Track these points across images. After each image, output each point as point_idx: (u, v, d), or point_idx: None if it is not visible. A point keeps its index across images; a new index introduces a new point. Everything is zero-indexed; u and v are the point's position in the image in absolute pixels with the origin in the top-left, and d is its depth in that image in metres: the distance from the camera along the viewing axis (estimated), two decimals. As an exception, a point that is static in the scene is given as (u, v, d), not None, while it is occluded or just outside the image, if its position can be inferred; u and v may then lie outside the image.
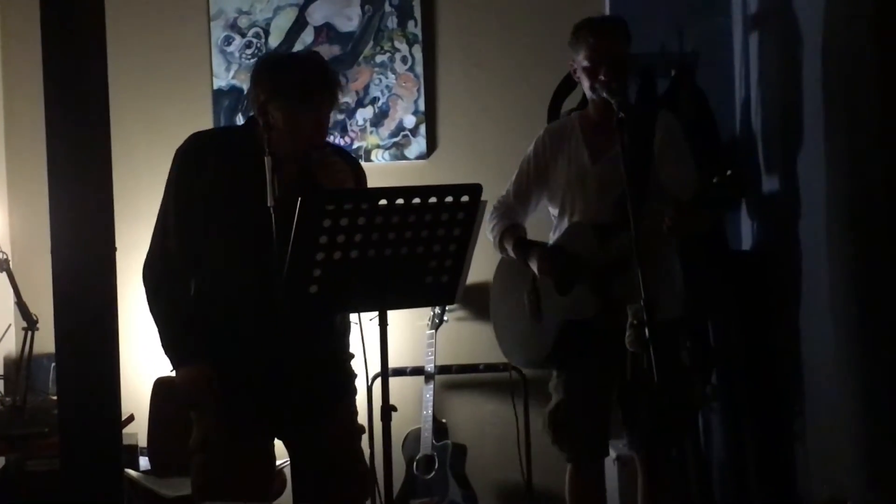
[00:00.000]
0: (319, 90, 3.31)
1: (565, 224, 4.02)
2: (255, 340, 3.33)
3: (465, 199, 3.02)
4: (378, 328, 3.10)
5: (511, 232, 4.10)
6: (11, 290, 4.68)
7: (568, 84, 4.74)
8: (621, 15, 4.20)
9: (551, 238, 4.10)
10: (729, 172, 3.40)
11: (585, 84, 3.91)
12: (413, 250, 3.04)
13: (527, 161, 4.15)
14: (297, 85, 3.28)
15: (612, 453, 4.44)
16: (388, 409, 3.09)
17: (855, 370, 3.72)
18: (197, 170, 3.37)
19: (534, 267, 3.96)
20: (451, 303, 3.49)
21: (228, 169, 3.35)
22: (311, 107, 3.30)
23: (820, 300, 3.96)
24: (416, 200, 2.97)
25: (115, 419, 3.13)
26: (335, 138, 5.38)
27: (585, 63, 3.89)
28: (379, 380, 3.14)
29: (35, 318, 4.58)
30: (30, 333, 4.57)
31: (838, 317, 3.84)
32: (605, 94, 3.75)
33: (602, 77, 3.83)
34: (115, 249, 3.05)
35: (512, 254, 4.08)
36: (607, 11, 5.19)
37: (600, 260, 3.78)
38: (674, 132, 3.97)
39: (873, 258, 3.55)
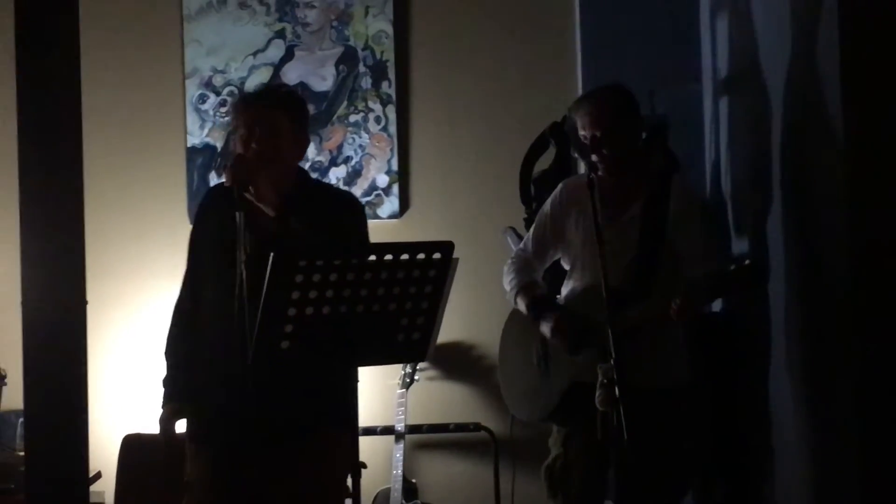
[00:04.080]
0: (239, 105, 3.56)
1: (578, 281, 4.03)
2: (234, 394, 3.33)
3: (437, 256, 3.04)
4: (349, 385, 3.10)
5: (527, 289, 4.09)
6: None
7: (540, 144, 4.78)
8: (596, 80, 4.23)
9: (563, 291, 4.11)
10: (747, 262, 3.46)
11: (588, 156, 3.94)
12: (385, 307, 3.05)
13: (544, 216, 4.16)
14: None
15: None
16: (357, 466, 3.08)
17: (809, 435, 3.76)
18: (202, 223, 3.54)
19: (545, 331, 3.95)
20: (422, 360, 3.51)
21: (221, 223, 3.38)
22: (238, 123, 3.51)
23: (781, 366, 4.01)
24: (389, 257, 2.99)
25: (82, 476, 3.11)
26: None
27: (583, 136, 3.93)
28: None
29: (3, 372, 4.55)
30: (-2, 388, 4.54)
31: (795, 381, 3.89)
32: (602, 174, 3.78)
33: (603, 151, 3.87)
34: (85, 303, 3.04)
35: (525, 311, 4.07)
36: (579, 76, 5.25)
37: (612, 328, 3.76)
38: (690, 201, 3.99)
39: (824, 328, 3.60)
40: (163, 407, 3.50)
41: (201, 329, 3.49)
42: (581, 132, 3.97)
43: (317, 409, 3.40)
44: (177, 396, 3.48)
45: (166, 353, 3.56)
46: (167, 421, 3.47)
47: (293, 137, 3.50)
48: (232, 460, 3.37)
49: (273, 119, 3.45)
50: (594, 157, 3.92)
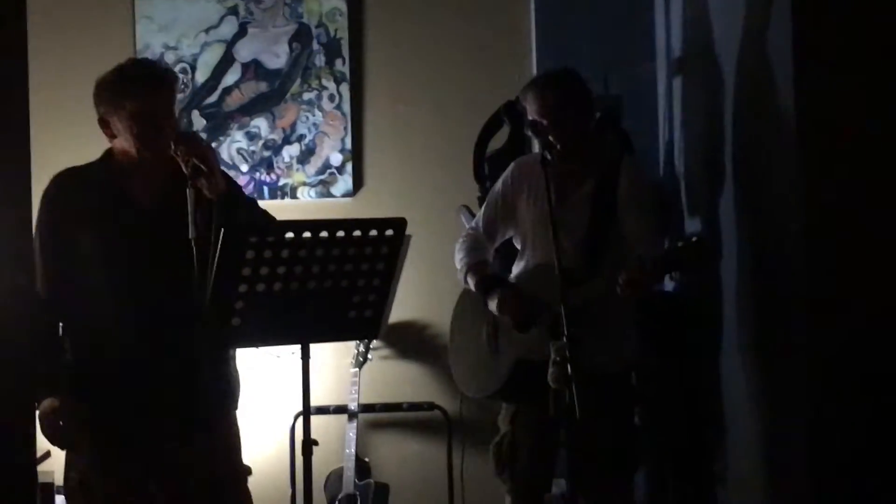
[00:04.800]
0: (137, 79, 3.37)
1: (529, 261, 4.04)
2: (130, 370, 3.30)
3: (389, 232, 3.03)
4: (300, 362, 3.08)
5: (476, 268, 4.10)
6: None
7: (494, 123, 4.77)
8: (550, 60, 4.24)
9: (514, 270, 4.12)
10: (694, 239, 3.48)
11: (538, 140, 3.94)
12: (337, 284, 3.03)
13: (495, 194, 4.16)
14: (120, 85, 3.36)
15: (555, 490, 4.43)
16: (308, 443, 3.07)
17: (760, 415, 3.79)
18: (62, 210, 3.39)
19: (492, 307, 3.97)
20: (374, 337, 3.50)
21: (94, 204, 3.37)
22: (139, 98, 3.34)
23: (733, 345, 4.03)
24: (341, 233, 2.97)
25: (30, 456, 3.06)
26: (261, 175, 5.37)
27: (534, 120, 3.93)
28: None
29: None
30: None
31: (746, 363, 3.92)
32: (550, 157, 3.77)
33: (550, 139, 3.86)
34: (33, 278, 3.01)
35: (475, 290, 4.08)
36: (533, 54, 5.25)
37: (561, 305, 3.77)
38: (639, 181, 4.00)
39: (775, 307, 3.62)
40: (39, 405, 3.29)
41: (74, 319, 3.40)
42: (530, 117, 3.97)
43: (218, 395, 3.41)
44: (54, 392, 3.29)
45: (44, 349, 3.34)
46: (52, 420, 3.29)
47: None
48: (130, 459, 3.36)
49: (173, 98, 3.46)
50: (544, 139, 3.91)
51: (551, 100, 3.93)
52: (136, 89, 3.34)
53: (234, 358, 3.48)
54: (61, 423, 3.26)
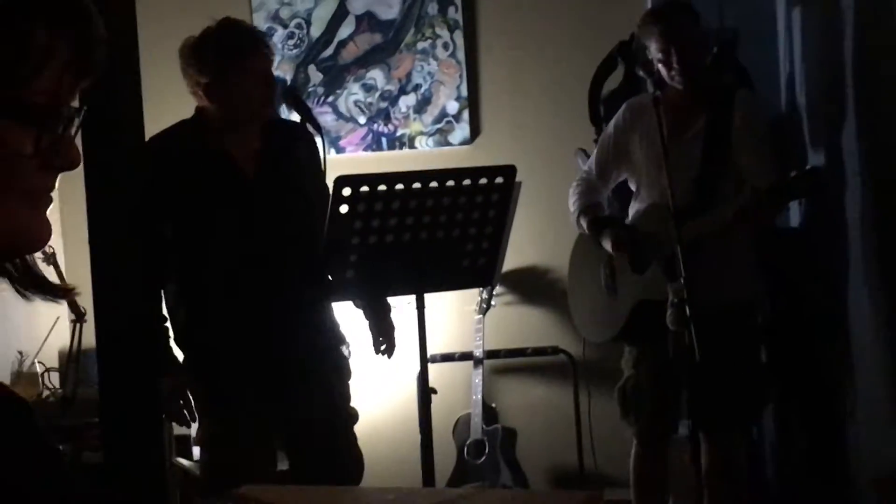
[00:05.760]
0: (247, 46, 3.42)
1: (643, 200, 4.01)
2: (245, 321, 3.36)
3: (499, 180, 3.02)
4: (416, 312, 3.10)
5: (588, 211, 4.09)
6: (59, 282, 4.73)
7: (608, 66, 4.72)
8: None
9: (630, 211, 4.09)
10: (809, 167, 3.40)
11: (663, 72, 3.89)
12: (449, 234, 3.04)
13: (607, 137, 4.14)
14: (228, 49, 3.39)
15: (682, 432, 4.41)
16: (427, 392, 3.10)
17: (889, 352, 3.69)
18: (163, 170, 3.43)
19: (606, 246, 3.96)
20: (488, 285, 3.51)
21: (192, 163, 3.42)
22: (266, 58, 3.42)
23: (859, 280, 3.94)
24: (450, 183, 2.98)
25: (157, 412, 3.16)
26: (379, 126, 5.39)
27: (658, 55, 3.88)
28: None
29: (83, 310, 4.63)
30: (78, 326, 4.62)
31: (875, 297, 3.82)
32: (679, 85, 3.72)
33: (675, 66, 3.82)
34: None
35: (587, 231, 4.07)
36: (648, -8, 5.16)
37: (677, 245, 3.74)
38: (752, 115, 3.94)
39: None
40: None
41: (182, 278, 3.46)
42: (652, 50, 3.91)
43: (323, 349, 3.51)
44: (169, 369, 3.40)
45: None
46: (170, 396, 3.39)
47: None
48: (251, 414, 3.42)
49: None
50: (670, 72, 3.86)
51: (674, 29, 3.87)
52: (262, 48, 3.41)
53: (332, 309, 3.54)
54: (181, 402, 3.35)
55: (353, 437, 3.58)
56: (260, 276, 3.34)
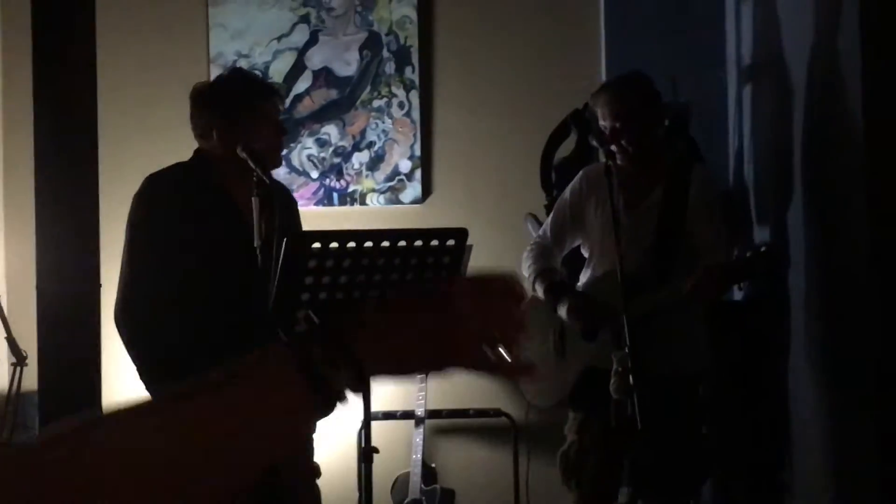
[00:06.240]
0: (267, 90, 3.63)
1: (596, 268, 4.03)
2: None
3: (450, 243, 3.04)
4: (362, 370, 3.10)
5: (545, 275, 4.11)
6: (1, 325, 4.68)
7: (562, 131, 4.77)
8: (619, 68, 4.23)
9: (582, 278, 4.12)
10: (765, 247, 3.45)
11: (606, 145, 3.94)
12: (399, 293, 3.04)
13: (563, 202, 4.17)
14: (261, 88, 3.57)
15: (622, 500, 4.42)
16: (369, 451, 3.09)
17: (829, 426, 3.74)
18: (165, 210, 3.46)
19: (562, 312, 3.97)
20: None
21: (194, 205, 3.44)
22: (265, 107, 3.54)
23: (801, 356, 3.99)
24: (402, 243, 2.99)
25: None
26: (331, 181, 5.41)
27: (603, 126, 3.93)
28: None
29: (24, 353, 4.58)
30: (18, 369, 4.57)
31: (815, 373, 3.88)
32: (622, 162, 3.77)
33: (622, 142, 3.86)
34: (100, 287, 3.06)
35: (542, 297, 4.08)
36: (603, 62, 5.23)
37: (627, 314, 3.77)
38: (708, 189, 4.00)
39: (844, 318, 3.57)
40: None
41: (179, 319, 3.44)
42: (601, 122, 3.96)
43: None
44: None
45: (138, 356, 3.34)
46: None
47: None
48: None
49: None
50: (613, 148, 3.91)
51: (625, 102, 3.92)
52: (277, 94, 3.62)
53: None
54: None
55: (317, 492, 3.56)
56: (246, 313, 3.33)
